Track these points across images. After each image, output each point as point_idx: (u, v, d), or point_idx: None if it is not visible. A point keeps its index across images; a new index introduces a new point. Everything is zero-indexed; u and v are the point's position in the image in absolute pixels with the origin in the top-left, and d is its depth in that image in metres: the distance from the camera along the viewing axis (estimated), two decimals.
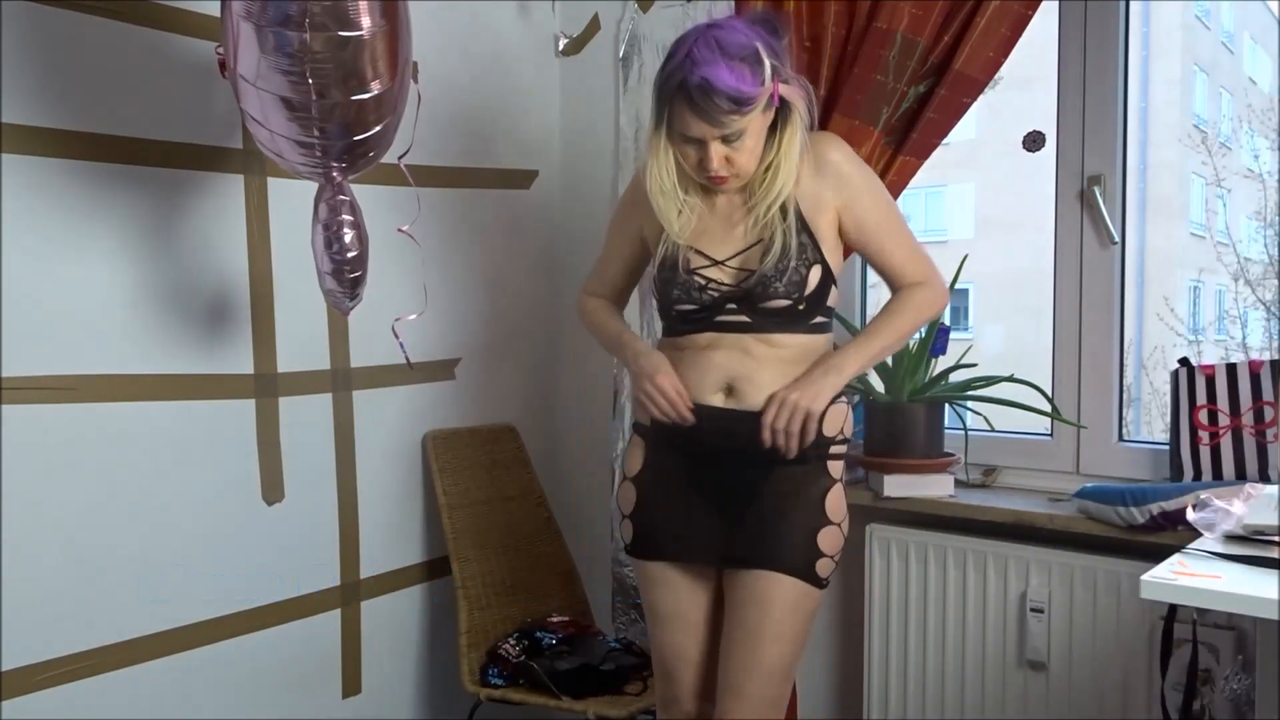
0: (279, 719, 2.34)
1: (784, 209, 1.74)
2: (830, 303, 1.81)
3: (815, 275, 1.75)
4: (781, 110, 1.73)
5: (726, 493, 1.81)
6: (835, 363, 1.76)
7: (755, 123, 1.69)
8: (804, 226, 1.75)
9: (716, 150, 1.69)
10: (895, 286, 1.84)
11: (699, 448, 1.82)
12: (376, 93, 1.68)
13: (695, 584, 1.89)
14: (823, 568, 1.80)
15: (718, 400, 1.79)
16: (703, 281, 1.78)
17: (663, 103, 1.70)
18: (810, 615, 1.83)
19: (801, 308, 1.76)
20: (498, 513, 2.66)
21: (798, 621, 1.80)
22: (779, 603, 1.78)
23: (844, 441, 1.83)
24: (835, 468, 1.82)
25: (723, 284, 1.78)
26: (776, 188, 1.73)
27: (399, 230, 2.07)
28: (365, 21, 1.59)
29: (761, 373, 1.77)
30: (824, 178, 1.77)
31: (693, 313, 1.80)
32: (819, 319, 1.80)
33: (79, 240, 2.00)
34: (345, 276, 1.87)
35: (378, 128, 1.75)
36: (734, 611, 1.82)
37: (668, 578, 1.89)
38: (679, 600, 1.90)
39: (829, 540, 1.79)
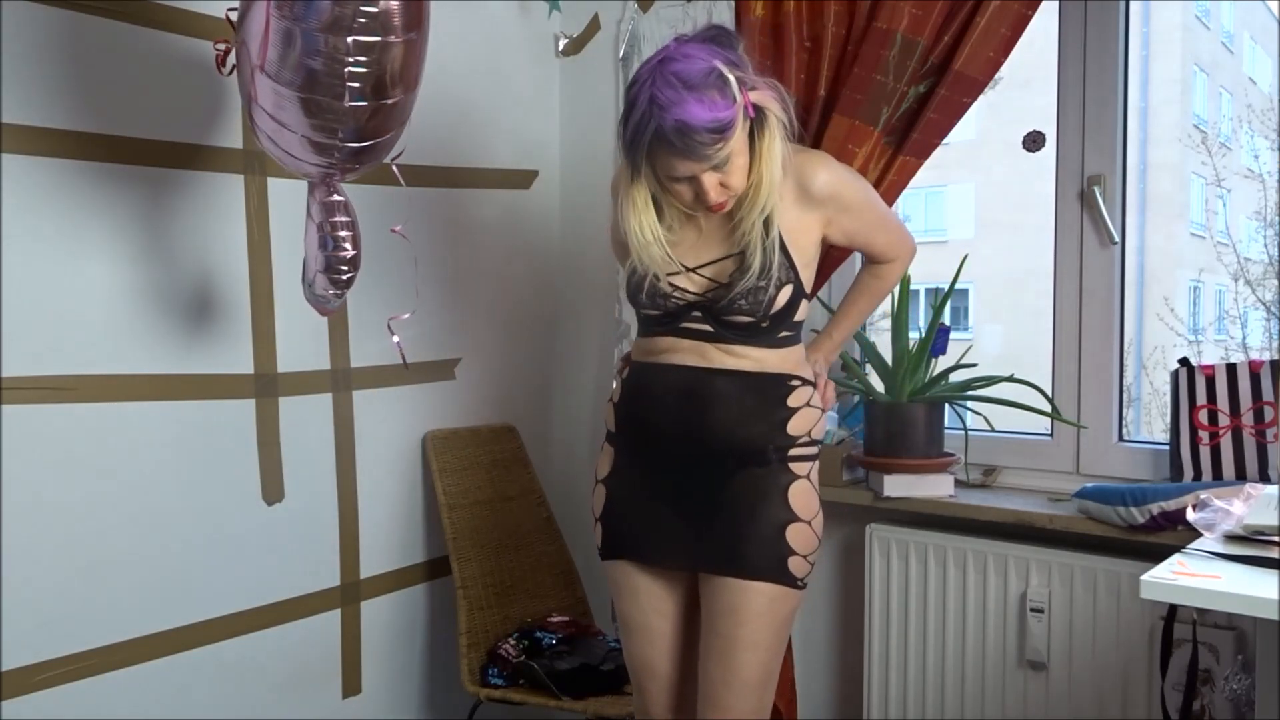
0: (279, 719, 2.34)
1: (767, 224, 1.71)
2: (799, 317, 1.78)
3: (785, 295, 1.73)
4: (756, 118, 1.68)
5: (691, 496, 1.78)
6: (823, 357, 1.95)
7: (738, 141, 1.65)
8: (783, 247, 1.73)
9: (710, 181, 1.65)
10: (870, 261, 1.94)
11: (661, 438, 1.80)
12: (400, 99, 1.68)
13: (664, 593, 1.85)
14: (795, 566, 1.75)
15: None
16: (669, 289, 1.76)
17: (636, 154, 1.66)
18: (787, 619, 1.79)
19: (765, 325, 1.74)
20: (498, 513, 2.66)
21: (773, 627, 1.76)
22: (752, 610, 1.74)
23: (811, 443, 1.80)
24: (800, 467, 1.78)
25: (689, 292, 1.76)
26: (762, 198, 1.69)
27: (392, 230, 2.07)
28: (404, 29, 1.60)
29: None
30: (811, 202, 1.76)
31: (658, 317, 1.79)
32: (784, 333, 1.78)
33: (79, 240, 2.00)
34: (341, 277, 1.87)
35: (390, 133, 1.75)
36: (708, 620, 1.79)
37: (635, 586, 1.86)
38: (645, 611, 1.87)
39: (798, 537, 1.75)
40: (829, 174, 1.78)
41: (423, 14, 1.65)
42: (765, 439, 1.76)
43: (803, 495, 1.77)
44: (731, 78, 1.61)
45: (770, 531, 1.74)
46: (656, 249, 1.73)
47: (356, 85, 1.59)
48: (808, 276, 1.79)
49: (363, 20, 1.54)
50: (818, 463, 1.83)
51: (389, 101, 1.66)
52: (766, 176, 1.68)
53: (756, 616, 1.74)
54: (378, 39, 1.56)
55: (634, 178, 1.71)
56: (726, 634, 1.75)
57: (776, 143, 1.69)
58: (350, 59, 1.56)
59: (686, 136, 1.58)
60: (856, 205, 1.81)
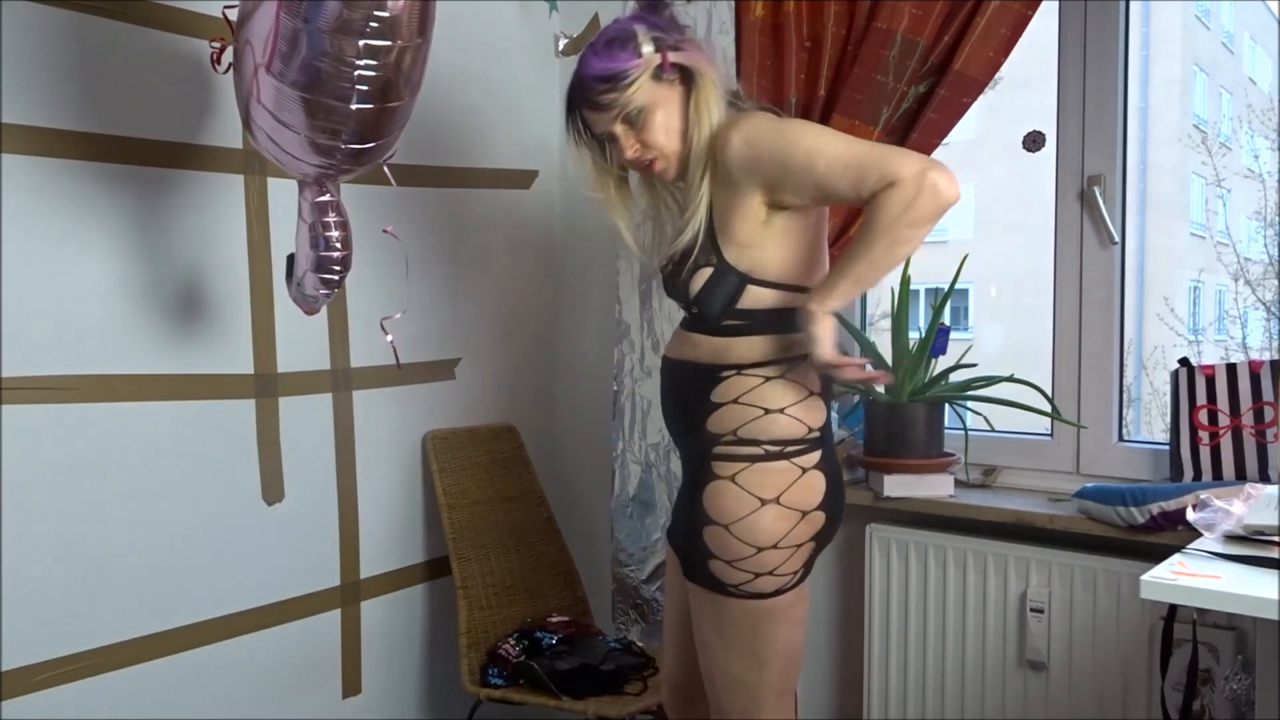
0: (279, 719, 2.34)
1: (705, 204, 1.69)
2: (745, 306, 1.68)
3: (701, 279, 1.68)
4: (685, 78, 1.70)
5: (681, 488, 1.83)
6: (809, 309, 1.62)
7: (654, 95, 1.68)
8: (710, 229, 1.68)
9: (626, 138, 1.70)
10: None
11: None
12: (404, 102, 1.69)
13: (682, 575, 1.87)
14: (719, 571, 1.68)
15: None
16: (663, 276, 1.82)
17: (570, 120, 1.77)
18: (735, 626, 1.70)
19: (695, 311, 1.72)
20: (498, 513, 2.66)
21: (716, 630, 1.72)
22: (698, 611, 1.75)
23: (740, 443, 1.68)
24: (723, 467, 1.68)
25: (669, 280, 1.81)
26: (692, 161, 1.69)
27: (384, 231, 2.06)
28: (414, 34, 1.60)
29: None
30: (730, 174, 1.64)
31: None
32: (732, 322, 1.70)
33: (79, 240, 2.00)
34: (332, 277, 1.87)
35: (391, 136, 1.75)
36: None
37: (670, 558, 1.90)
38: (672, 593, 1.92)
39: (715, 541, 1.68)
40: (740, 135, 1.64)
41: (430, 19, 1.65)
42: (693, 434, 1.74)
43: (717, 497, 1.68)
44: (642, 35, 1.67)
45: (691, 532, 1.72)
46: (603, 203, 1.82)
47: (365, 88, 1.60)
48: (748, 261, 1.67)
49: (375, 25, 1.54)
50: (761, 464, 1.68)
51: (394, 105, 1.66)
52: (696, 133, 1.69)
53: (697, 616, 1.76)
54: (388, 43, 1.57)
55: (570, 142, 1.79)
56: (694, 629, 1.80)
57: (705, 100, 1.69)
58: (360, 62, 1.56)
59: (582, 88, 1.69)
60: (780, 155, 1.61)
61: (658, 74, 1.67)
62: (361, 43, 1.55)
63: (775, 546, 1.67)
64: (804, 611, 1.78)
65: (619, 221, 1.82)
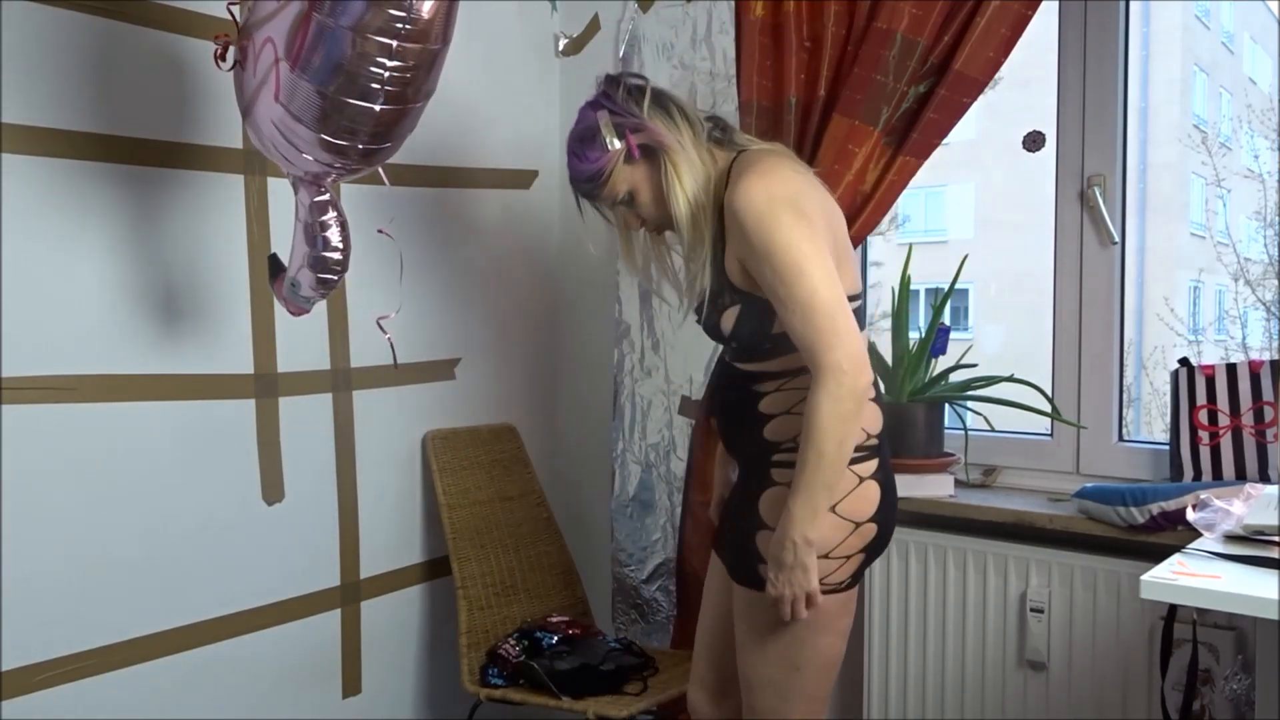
0: (279, 719, 2.34)
1: (713, 252, 1.74)
2: (779, 330, 1.67)
3: (730, 317, 1.72)
4: (648, 154, 1.76)
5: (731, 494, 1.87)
6: (790, 539, 1.62)
7: (633, 177, 1.77)
8: (721, 269, 1.73)
9: (626, 215, 1.83)
10: None
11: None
12: (421, 105, 1.69)
13: (724, 582, 1.88)
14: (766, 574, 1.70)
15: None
16: (699, 319, 1.84)
17: (577, 200, 1.90)
18: (774, 627, 1.72)
19: (734, 345, 1.77)
20: (498, 513, 2.66)
21: (756, 631, 1.75)
22: (739, 612, 1.79)
23: (792, 449, 1.69)
24: (782, 474, 1.71)
25: None
26: (677, 225, 1.76)
27: (379, 231, 2.06)
28: (441, 38, 1.61)
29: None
30: (729, 226, 1.70)
31: None
32: (769, 345, 1.72)
33: (78, 240, 2.00)
34: (331, 277, 1.86)
35: (403, 137, 1.76)
36: None
37: (714, 561, 1.94)
38: (709, 584, 1.96)
39: (767, 545, 1.69)
40: (739, 202, 1.66)
41: (454, 22, 1.65)
42: (746, 439, 1.79)
43: (775, 504, 1.70)
44: (604, 127, 1.74)
45: (743, 540, 1.75)
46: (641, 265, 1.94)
47: (392, 89, 1.60)
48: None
49: (406, 28, 1.55)
50: None
51: (412, 107, 1.67)
52: (673, 209, 1.75)
53: (741, 619, 1.79)
54: (417, 46, 1.57)
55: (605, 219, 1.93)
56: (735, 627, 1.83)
57: (682, 172, 1.74)
58: (390, 63, 1.57)
59: (573, 185, 1.83)
60: (760, 248, 1.63)
61: (629, 159, 1.76)
62: (394, 44, 1.55)
63: (826, 556, 1.68)
64: (847, 624, 1.78)
65: (641, 272, 1.94)
